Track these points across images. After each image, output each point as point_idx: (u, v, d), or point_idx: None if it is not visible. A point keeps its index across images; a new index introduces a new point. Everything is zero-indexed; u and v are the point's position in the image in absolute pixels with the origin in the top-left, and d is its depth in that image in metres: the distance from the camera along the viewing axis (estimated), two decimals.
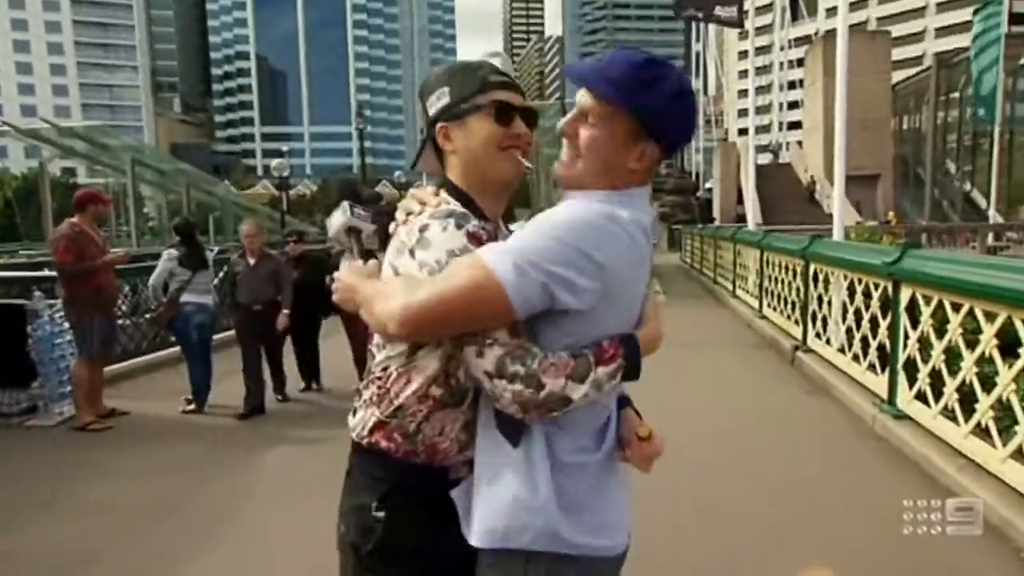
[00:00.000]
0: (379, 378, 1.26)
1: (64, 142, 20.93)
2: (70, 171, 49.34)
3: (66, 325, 5.40)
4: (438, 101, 1.29)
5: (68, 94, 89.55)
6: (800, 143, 35.84)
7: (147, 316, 7.19)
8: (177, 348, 6.19)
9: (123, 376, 6.65)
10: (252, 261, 5.61)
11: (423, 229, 1.18)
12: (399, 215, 1.29)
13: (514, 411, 1.11)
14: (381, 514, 1.23)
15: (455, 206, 1.24)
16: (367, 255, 1.33)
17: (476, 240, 1.16)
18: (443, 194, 1.28)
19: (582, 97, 1.20)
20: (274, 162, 24.84)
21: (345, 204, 1.39)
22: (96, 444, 4.87)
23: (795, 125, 42.08)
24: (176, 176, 24.84)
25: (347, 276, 1.27)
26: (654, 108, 1.16)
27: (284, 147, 73.18)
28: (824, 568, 2.84)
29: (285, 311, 5.63)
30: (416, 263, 1.16)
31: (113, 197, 19.51)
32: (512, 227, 1.44)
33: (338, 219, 1.39)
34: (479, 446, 1.22)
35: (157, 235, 27.67)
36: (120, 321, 6.99)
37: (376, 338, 1.26)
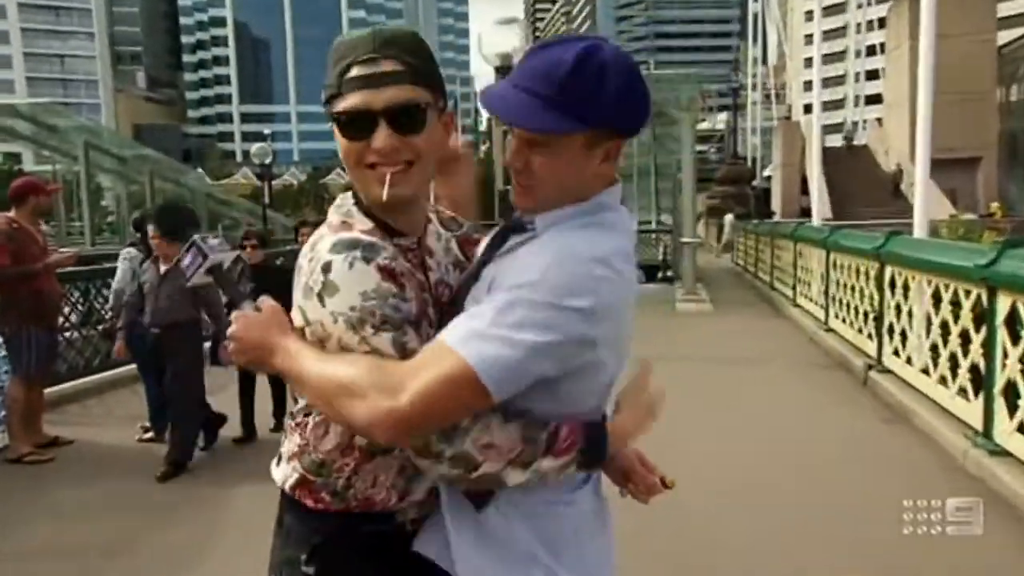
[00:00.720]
0: (299, 425, 1.30)
1: (5, 122, 21.22)
2: (14, 156, 50.39)
3: None
4: None
5: (11, 66, 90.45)
6: (879, 120, 35.45)
7: (99, 328, 7.30)
8: (133, 365, 6.24)
9: (68, 398, 6.74)
10: (163, 269, 4.95)
11: (326, 269, 1.15)
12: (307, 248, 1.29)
13: (442, 484, 1.20)
14: (311, 569, 1.26)
15: (359, 232, 1.21)
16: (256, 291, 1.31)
17: (389, 276, 1.16)
18: (352, 209, 1.27)
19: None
20: (254, 147, 25.09)
21: (196, 239, 1.33)
22: (34, 478, 4.92)
23: (875, 100, 41.67)
24: (138, 163, 25.12)
25: (252, 333, 1.24)
26: (607, 111, 1.15)
27: (266, 130, 74.09)
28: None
29: (226, 341, 5.05)
30: (328, 312, 1.15)
31: (61, 186, 19.77)
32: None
33: (191, 264, 1.33)
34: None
35: (116, 232, 28.01)
36: (67, 333, 7.11)
37: None
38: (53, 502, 4.51)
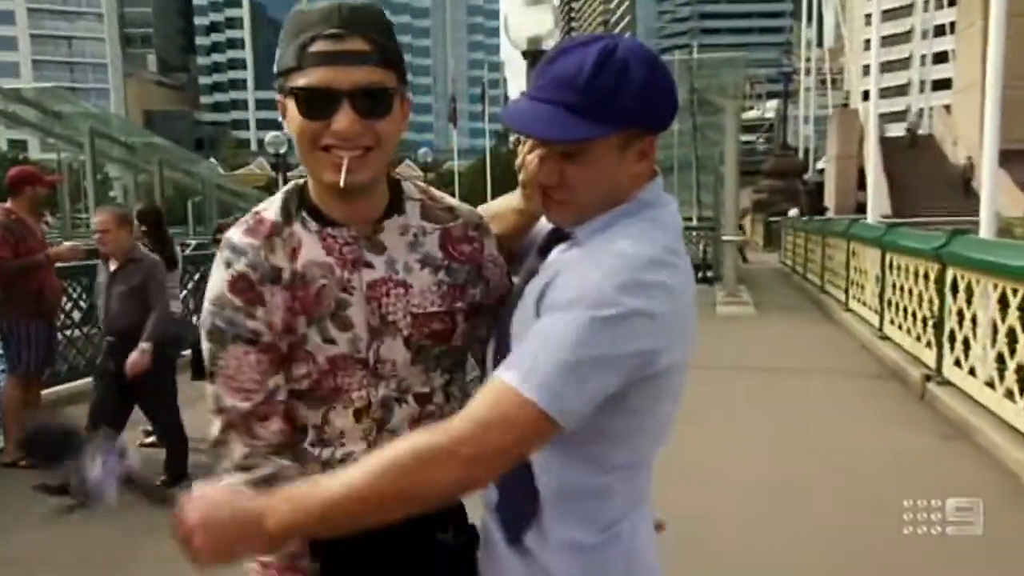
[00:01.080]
0: None
1: (8, 108, 21.55)
2: (19, 143, 51.56)
3: None
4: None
5: (17, 47, 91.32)
6: (947, 108, 34.84)
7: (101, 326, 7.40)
8: None
9: (67, 399, 6.82)
10: (112, 267, 4.86)
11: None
12: None
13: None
14: None
15: (243, 229, 1.27)
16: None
17: (244, 285, 1.22)
18: (276, 198, 1.32)
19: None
20: (269, 136, 25.27)
21: (100, 449, 1.22)
22: (28, 484, 5.01)
23: (943, 85, 40.92)
24: (147, 152, 25.45)
25: (217, 513, 1.16)
26: (634, 109, 1.16)
27: (282, 117, 74.70)
28: None
29: (144, 344, 4.67)
30: None
31: (62, 176, 20.04)
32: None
33: (103, 475, 1.23)
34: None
35: None
36: (67, 331, 7.22)
37: None
38: (50, 508, 4.58)
